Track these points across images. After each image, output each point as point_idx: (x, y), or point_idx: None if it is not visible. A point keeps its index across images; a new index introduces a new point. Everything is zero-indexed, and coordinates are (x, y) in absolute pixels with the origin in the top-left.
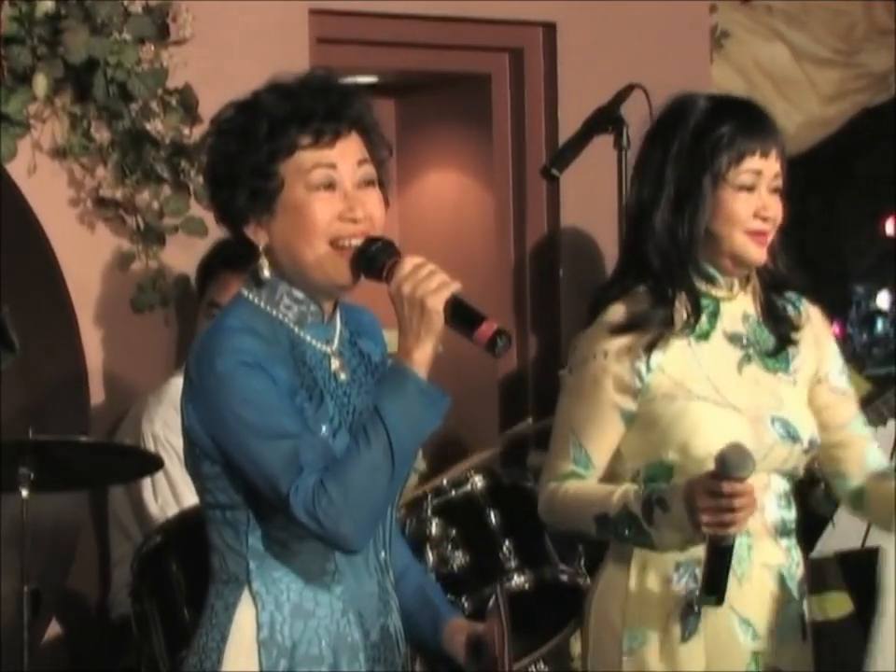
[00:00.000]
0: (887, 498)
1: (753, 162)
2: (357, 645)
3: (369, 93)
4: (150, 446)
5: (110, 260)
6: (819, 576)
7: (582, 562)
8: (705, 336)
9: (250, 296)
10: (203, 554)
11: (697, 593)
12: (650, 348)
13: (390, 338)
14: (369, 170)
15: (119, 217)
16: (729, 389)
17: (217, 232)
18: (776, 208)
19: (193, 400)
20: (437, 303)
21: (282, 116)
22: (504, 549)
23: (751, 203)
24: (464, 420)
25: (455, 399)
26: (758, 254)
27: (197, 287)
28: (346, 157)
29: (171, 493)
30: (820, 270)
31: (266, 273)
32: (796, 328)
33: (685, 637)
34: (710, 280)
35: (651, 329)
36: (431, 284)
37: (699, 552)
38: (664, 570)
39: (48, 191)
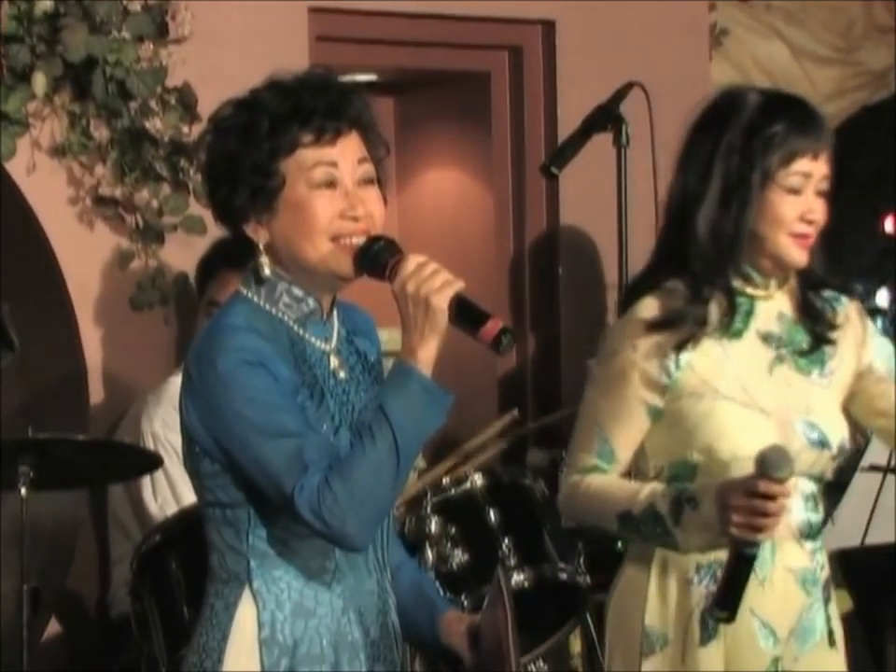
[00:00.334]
0: None
1: (803, 164)
2: (357, 644)
3: (367, 92)
4: (150, 445)
5: (109, 259)
6: None
7: (582, 560)
8: (737, 335)
9: (249, 294)
10: (202, 553)
11: (709, 603)
12: (680, 347)
13: (387, 336)
14: (369, 168)
15: (119, 216)
16: (758, 390)
17: (216, 231)
18: (821, 211)
19: (193, 399)
20: (441, 302)
21: (283, 114)
22: (503, 547)
23: (798, 206)
24: (463, 418)
25: (455, 396)
26: (800, 257)
27: (196, 285)
28: (347, 155)
29: (170, 492)
30: None
31: (267, 271)
32: (833, 327)
33: (704, 641)
34: (747, 279)
35: (685, 327)
36: (435, 282)
37: (721, 555)
38: (684, 572)
39: (47, 190)
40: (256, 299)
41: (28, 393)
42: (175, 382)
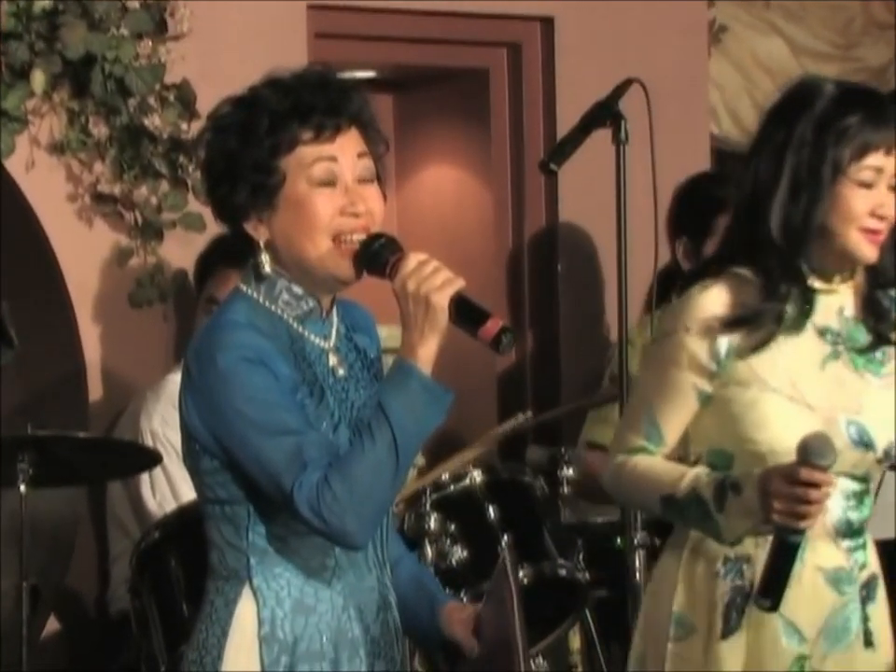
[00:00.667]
0: None
1: (876, 159)
2: (357, 640)
3: (366, 88)
4: (148, 442)
5: (108, 256)
6: None
7: (581, 556)
8: (794, 328)
9: (249, 291)
10: (201, 550)
11: (753, 591)
12: (757, 348)
13: (386, 333)
14: (368, 164)
15: (117, 213)
16: (807, 385)
17: (215, 228)
18: (892, 207)
19: (193, 396)
20: (442, 300)
21: (282, 111)
22: (502, 545)
23: (869, 201)
24: (462, 415)
25: (454, 394)
26: (870, 253)
27: (195, 282)
28: (346, 151)
29: (169, 489)
30: None
31: (267, 268)
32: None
33: (726, 634)
34: (813, 272)
35: (763, 326)
36: (436, 280)
37: (748, 548)
38: (712, 564)
39: (46, 187)
40: (255, 296)
41: (27, 390)
42: (174, 379)
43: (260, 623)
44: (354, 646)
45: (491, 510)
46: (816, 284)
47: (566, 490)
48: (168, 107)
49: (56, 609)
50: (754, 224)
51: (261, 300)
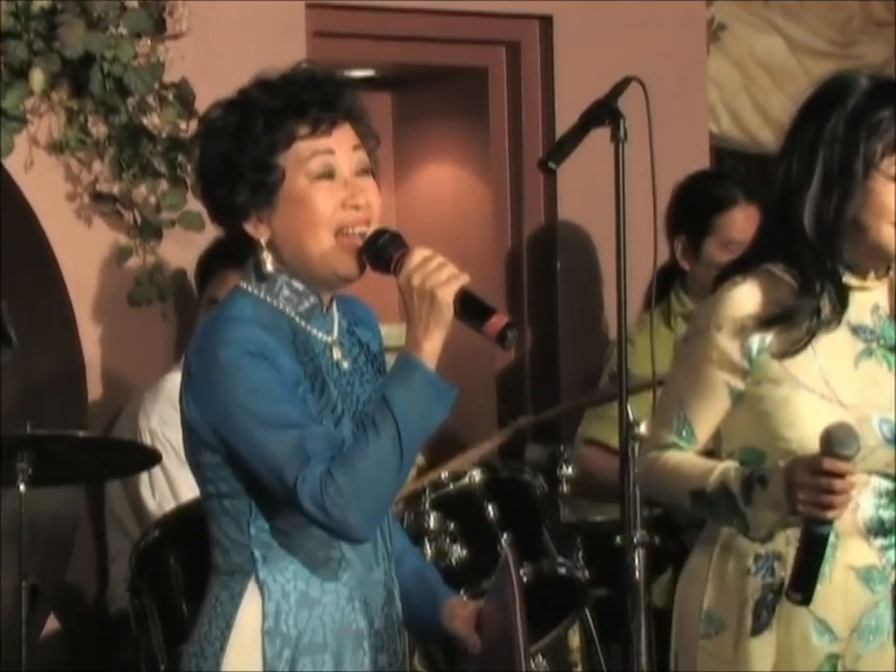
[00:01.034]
0: None
1: None
2: (361, 633)
3: (365, 87)
4: (147, 441)
5: (107, 255)
6: None
7: (580, 555)
8: (828, 325)
9: (249, 288)
10: (201, 549)
11: (785, 585)
12: (797, 349)
13: (385, 332)
14: (363, 156)
15: (116, 212)
16: (840, 383)
17: (214, 227)
18: None
19: (194, 391)
20: (447, 295)
21: (277, 109)
22: (502, 542)
23: None
24: (462, 413)
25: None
26: None
27: (196, 283)
28: (342, 144)
29: (168, 488)
30: None
31: (269, 267)
32: None
33: (756, 632)
34: (847, 269)
35: (800, 323)
36: (441, 276)
37: (780, 545)
38: (743, 560)
39: (44, 186)
40: (256, 292)
41: (26, 389)
42: (173, 378)
43: (264, 616)
44: (358, 638)
45: (490, 508)
46: (850, 281)
47: (565, 489)
48: (167, 106)
49: (55, 609)
50: (787, 220)
51: (262, 295)
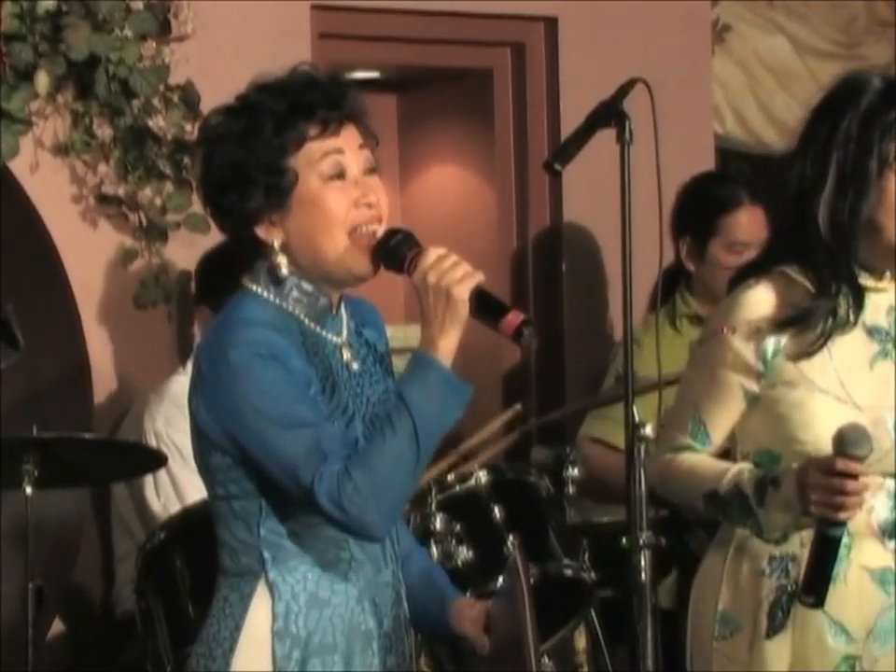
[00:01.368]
0: None
1: None
2: (370, 634)
3: (370, 89)
4: (152, 443)
5: (113, 257)
6: None
7: (586, 556)
8: (843, 327)
9: (257, 290)
10: (207, 550)
11: (797, 588)
12: (813, 351)
13: (390, 334)
14: (369, 155)
15: (122, 214)
16: (855, 386)
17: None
18: None
19: (204, 394)
20: (462, 293)
21: (285, 111)
22: (508, 544)
23: None
24: (467, 414)
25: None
26: None
27: (196, 291)
28: (350, 143)
29: (173, 490)
30: None
31: (284, 270)
32: None
33: (771, 633)
34: (862, 269)
35: (815, 325)
36: (456, 274)
37: (794, 547)
38: (757, 562)
39: (50, 188)
40: (265, 294)
41: (31, 391)
42: (178, 380)
43: (274, 617)
44: (367, 639)
45: (496, 510)
46: (866, 282)
47: (571, 490)
48: (172, 108)
49: (61, 610)
50: (801, 222)
51: (271, 298)
